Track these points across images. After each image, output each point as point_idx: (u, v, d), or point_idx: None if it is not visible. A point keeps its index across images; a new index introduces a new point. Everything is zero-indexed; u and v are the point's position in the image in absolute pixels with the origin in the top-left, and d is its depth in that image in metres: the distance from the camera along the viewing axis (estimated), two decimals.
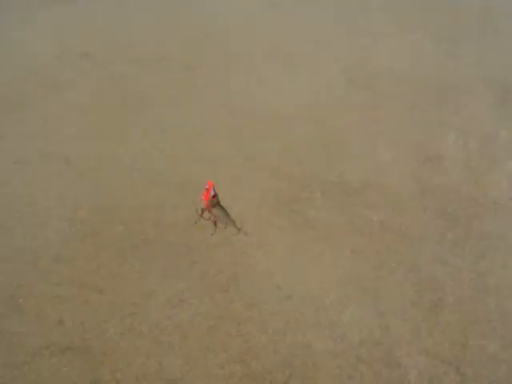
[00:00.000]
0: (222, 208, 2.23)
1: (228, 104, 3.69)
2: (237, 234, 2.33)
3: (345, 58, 4.44)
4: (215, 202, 2.19)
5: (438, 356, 1.94)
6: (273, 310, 2.09)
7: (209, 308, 2.09)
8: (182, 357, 1.94)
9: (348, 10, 5.70)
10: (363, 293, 2.18)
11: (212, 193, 2.17)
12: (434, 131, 3.40)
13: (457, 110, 3.69)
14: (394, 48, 4.70)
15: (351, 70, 4.22)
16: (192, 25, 5.18)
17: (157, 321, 2.05)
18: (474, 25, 5.33)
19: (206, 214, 2.28)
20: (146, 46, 4.70)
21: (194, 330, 2.02)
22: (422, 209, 2.67)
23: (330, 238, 2.43)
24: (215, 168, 2.96)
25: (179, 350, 1.96)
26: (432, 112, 3.65)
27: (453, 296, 2.17)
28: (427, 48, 4.71)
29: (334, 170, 2.93)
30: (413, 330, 2.05)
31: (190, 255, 2.31)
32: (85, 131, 3.35)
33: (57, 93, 3.86)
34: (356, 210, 2.62)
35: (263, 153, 3.09)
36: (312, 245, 2.41)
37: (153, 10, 5.66)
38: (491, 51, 4.64)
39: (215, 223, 2.30)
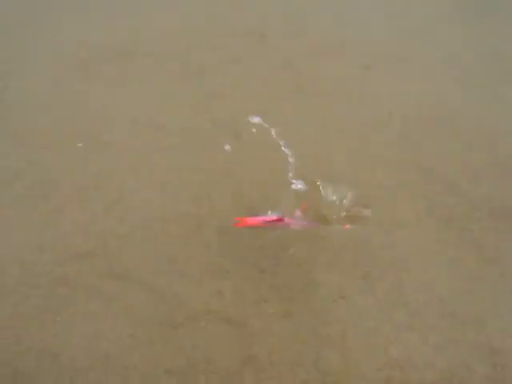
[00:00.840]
0: None
1: (405, 108, 3.45)
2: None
3: None
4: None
5: None
6: (434, 323, 2.03)
7: (370, 309, 2.07)
8: (340, 352, 1.94)
9: None
10: None
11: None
12: None
13: None
14: None
15: None
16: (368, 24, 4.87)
17: (316, 311, 2.06)
18: None
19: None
20: (321, 35, 4.54)
21: (354, 327, 2.01)
22: None
23: (497, 263, 2.29)
24: (384, 172, 2.83)
25: (338, 344, 1.96)
26: None
27: None
28: None
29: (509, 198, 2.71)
30: None
31: (355, 252, 2.29)
32: (259, 110, 3.35)
33: (235, 66, 3.96)
34: None
35: (440, 165, 2.91)
36: (477, 266, 2.29)
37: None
38: None
39: None
